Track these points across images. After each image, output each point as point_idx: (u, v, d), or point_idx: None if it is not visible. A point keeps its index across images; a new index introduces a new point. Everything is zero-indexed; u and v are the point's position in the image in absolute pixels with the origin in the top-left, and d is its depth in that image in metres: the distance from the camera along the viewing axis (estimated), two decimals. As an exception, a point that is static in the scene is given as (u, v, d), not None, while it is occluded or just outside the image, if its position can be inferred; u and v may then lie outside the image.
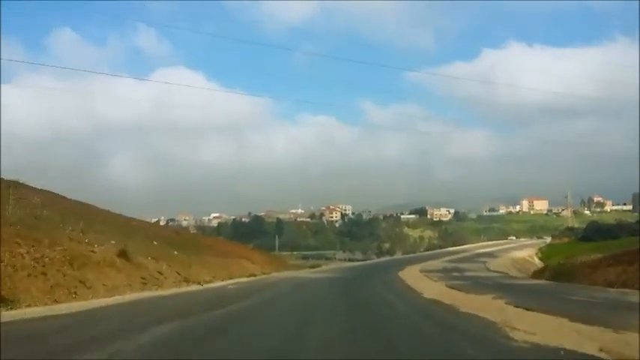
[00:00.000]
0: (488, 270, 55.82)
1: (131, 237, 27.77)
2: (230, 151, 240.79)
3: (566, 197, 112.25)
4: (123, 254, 21.18)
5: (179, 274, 24.62)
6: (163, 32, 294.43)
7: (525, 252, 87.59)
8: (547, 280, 36.32)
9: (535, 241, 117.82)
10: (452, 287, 22.38)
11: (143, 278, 20.87)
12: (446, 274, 42.22)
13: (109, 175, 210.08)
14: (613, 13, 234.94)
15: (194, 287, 23.40)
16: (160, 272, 22.89)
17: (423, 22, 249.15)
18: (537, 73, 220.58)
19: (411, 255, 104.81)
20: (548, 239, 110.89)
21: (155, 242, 30.07)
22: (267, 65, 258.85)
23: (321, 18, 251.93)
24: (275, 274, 39.94)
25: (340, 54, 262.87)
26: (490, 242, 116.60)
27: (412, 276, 37.04)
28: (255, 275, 35.96)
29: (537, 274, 44.30)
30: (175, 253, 29.26)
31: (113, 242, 22.96)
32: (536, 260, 76.28)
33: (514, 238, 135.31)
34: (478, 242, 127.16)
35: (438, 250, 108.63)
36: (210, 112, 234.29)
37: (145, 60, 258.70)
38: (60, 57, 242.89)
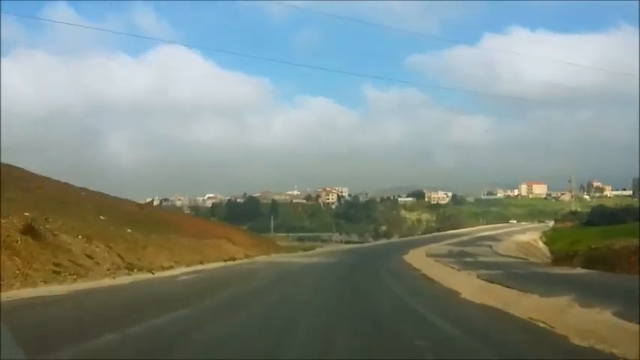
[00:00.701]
0: (499, 254, 49.85)
1: (71, 210, 21.11)
2: (228, 133, 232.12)
3: (569, 181, 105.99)
4: (30, 230, 14.49)
5: (122, 258, 18.03)
6: (162, 10, 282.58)
7: (528, 236, 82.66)
8: (582, 268, 29.99)
9: (537, 224, 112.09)
10: (490, 280, 15.78)
11: (57, 265, 14.29)
12: (458, 259, 35.88)
13: (106, 154, 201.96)
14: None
15: (140, 276, 16.81)
16: (89, 256, 16.27)
17: (426, 6, 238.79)
18: (540, 58, 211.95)
19: (410, 238, 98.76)
20: (551, 223, 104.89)
21: (102, 217, 23.41)
22: (268, 46, 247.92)
23: (323, 6, 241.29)
24: (260, 258, 33.58)
25: (342, 35, 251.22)
26: (490, 225, 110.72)
27: (422, 262, 30.65)
28: (235, 259, 29.49)
29: (563, 260, 37.72)
30: (128, 231, 22.62)
31: (27, 214, 16.26)
32: (541, 244, 71.05)
33: (515, 221, 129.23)
34: (477, 226, 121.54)
35: (437, 233, 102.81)
36: (209, 93, 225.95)
37: (143, 38, 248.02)
38: (56, 33, 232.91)
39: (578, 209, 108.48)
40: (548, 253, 56.74)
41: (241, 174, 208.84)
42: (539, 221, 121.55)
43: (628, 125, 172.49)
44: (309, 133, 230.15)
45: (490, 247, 61.47)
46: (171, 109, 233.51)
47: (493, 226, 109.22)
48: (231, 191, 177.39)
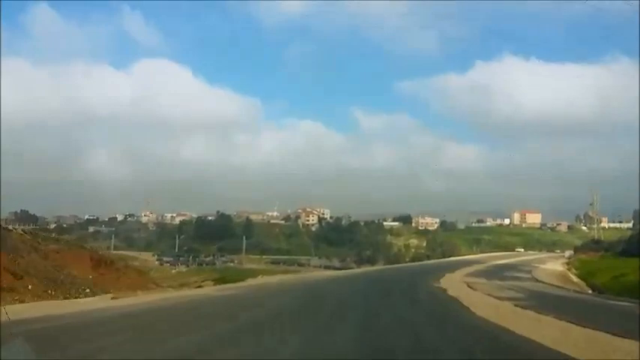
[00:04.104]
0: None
1: None
2: (210, 150, 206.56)
3: (591, 204, 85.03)
4: None
5: None
6: (151, 20, 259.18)
7: (551, 265, 61.74)
8: None
9: (547, 254, 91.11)
10: None
11: None
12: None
13: (82, 168, 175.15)
14: (615, 31, 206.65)
15: None
16: None
17: (417, 31, 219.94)
18: (533, 87, 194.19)
19: (405, 264, 76.27)
20: (567, 253, 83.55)
21: None
22: (257, 65, 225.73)
23: (318, 20, 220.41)
24: None
25: (334, 57, 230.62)
26: (497, 253, 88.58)
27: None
28: None
29: None
30: None
31: None
32: (573, 277, 50.21)
33: (522, 249, 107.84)
34: (473, 254, 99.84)
35: (432, 261, 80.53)
36: (194, 109, 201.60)
37: (129, 48, 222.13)
38: (37, 37, 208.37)
39: (602, 238, 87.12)
40: (586, 288, 38.82)
41: (221, 193, 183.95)
42: (549, 250, 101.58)
43: (623, 156, 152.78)
44: (294, 154, 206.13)
45: (535, 279, 40.63)
46: (151, 124, 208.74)
47: (501, 254, 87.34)
48: (209, 210, 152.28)
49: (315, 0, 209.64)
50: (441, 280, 30.07)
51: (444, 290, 21.08)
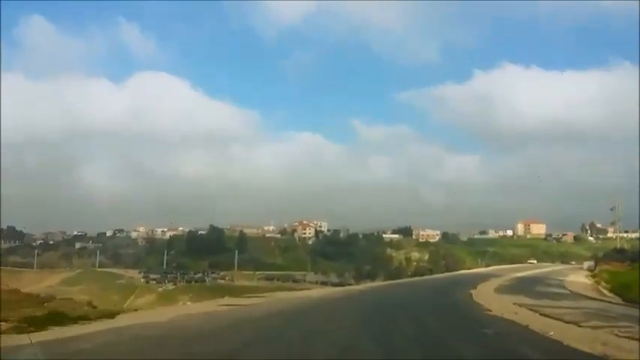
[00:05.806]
0: None
1: None
2: (207, 165, 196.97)
3: (611, 209, 76.28)
4: None
5: None
6: (147, 32, 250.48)
7: (574, 278, 52.88)
8: None
9: (563, 266, 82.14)
10: None
11: None
12: None
13: (75, 183, 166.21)
14: (617, 37, 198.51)
15: None
16: None
17: (417, 42, 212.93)
18: (533, 96, 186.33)
19: (410, 280, 67.00)
20: (585, 264, 74.58)
21: None
22: (256, 76, 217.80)
23: (317, 31, 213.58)
24: None
25: (334, 68, 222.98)
26: (509, 266, 79.69)
27: None
28: None
29: None
30: None
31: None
32: (604, 290, 41.12)
33: (535, 261, 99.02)
34: (478, 267, 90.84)
35: (441, 275, 71.55)
36: (191, 122, 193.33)
37: (125, 60, 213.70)
38: (31, 50, 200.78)
39: (625, 246, 78.25)
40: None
41: (217, 207, 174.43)
42: (562, 262, 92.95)
43: (628, 165, 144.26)
44: (293, 166, 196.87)
45: (577, 294, 31.74)
46: (146, 137, 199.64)
47: (513, 266, 78.46)
48: (204, 225, 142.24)
49: (315, 10, 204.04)
50: (476, 300, 21.25)
51: (526, 327, 12.21)
